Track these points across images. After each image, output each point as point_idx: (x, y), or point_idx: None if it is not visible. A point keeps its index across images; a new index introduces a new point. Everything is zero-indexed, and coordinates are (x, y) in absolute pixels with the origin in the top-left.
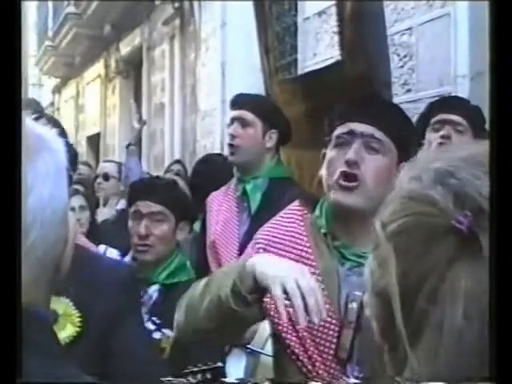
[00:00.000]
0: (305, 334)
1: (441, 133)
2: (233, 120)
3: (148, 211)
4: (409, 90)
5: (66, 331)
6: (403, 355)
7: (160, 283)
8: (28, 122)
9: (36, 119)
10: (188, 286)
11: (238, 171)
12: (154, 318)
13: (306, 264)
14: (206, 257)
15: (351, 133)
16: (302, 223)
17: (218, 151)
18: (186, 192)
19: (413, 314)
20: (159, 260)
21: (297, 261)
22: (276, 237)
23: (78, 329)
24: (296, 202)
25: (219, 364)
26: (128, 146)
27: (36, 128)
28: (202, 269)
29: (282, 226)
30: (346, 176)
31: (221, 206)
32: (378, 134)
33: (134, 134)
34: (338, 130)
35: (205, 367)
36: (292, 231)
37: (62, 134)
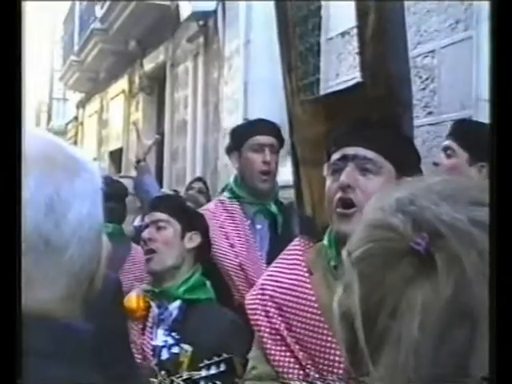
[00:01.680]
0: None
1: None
2: (264, 146)
3: (152, 220)
4: (430, 113)
5: None
6: (367, 373)
7: (179, 298)
8: (64, 144)
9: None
10: (208, 305)
11: (255, 196)
12: (173, 334)
13: (310, 306)
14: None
15: (343, 158)
16: (303, 264)
17: None
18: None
19: (374, 332)
20: (169, 270)
21: (303, 304)
22: (281, 282)
23: None
24: (296, 240)
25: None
26: (138, 163)
27: (73, 150)
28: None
29: (285, 269)
30: (342, 203)
31: (222, 228)
32: (371, 154)
33: (143, 149)
34: (333, 157)
35: (218, 359)
36: (295, 274)
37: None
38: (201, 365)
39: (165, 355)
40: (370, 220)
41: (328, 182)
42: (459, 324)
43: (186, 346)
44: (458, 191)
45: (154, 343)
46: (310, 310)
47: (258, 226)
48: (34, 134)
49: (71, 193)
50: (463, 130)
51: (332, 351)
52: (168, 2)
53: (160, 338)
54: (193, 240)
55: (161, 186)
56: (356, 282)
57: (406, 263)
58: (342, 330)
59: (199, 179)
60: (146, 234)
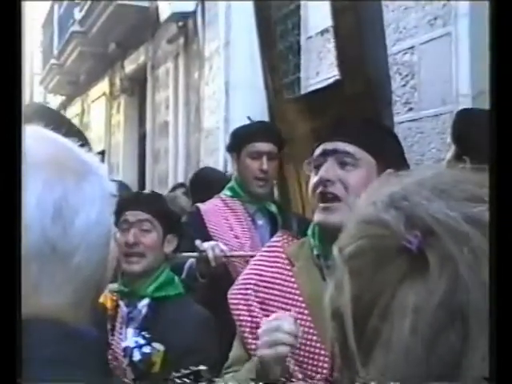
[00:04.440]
0: (295, 368)
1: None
2: (261, 154)
3: (136, 219)
4: (411, 109)
5: None
6: (356, 373)
7: (148, 296)
8: (74, 147)
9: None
10: (178, 301)
11: (253, 198)
12: (143, 333)
13: (291, 298)
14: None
15: (324, 153)
16: (284, 256)
17: (221, 169)
18: (171, 207)
19: (365, 333)
20: (147, 272)
21: (285, 297)
22: (263, 275)
23: None
24: (277, 235)
25: (201, 367)
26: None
27: (82, 153)
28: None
29: (267, 263)
30: (323, 197)
31: (227, 220)
32: (350, 148)
33: None
34: (315, 153)
35: (186, 371)
36: (276, 267)
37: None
38: (168, 378)
39: (137, 356)
40: (361, 215)
41: (311, 178)
42: (451, 325)
43: (158, 346)
44: (453, 186)
45: (124, 344)
46: (292, 302)
47: (260, 222)
48: (43, 135)
49: (80, 198)
50: (452, 122)
51: (313, 343)
52: (147, 4)
53: (130, 337)
54: (171, 243)
55: (143, 187)
56: (347, 280)
57: (397, 262)
58: (332, 328)
59: (181, 185)
60: (130, 237)
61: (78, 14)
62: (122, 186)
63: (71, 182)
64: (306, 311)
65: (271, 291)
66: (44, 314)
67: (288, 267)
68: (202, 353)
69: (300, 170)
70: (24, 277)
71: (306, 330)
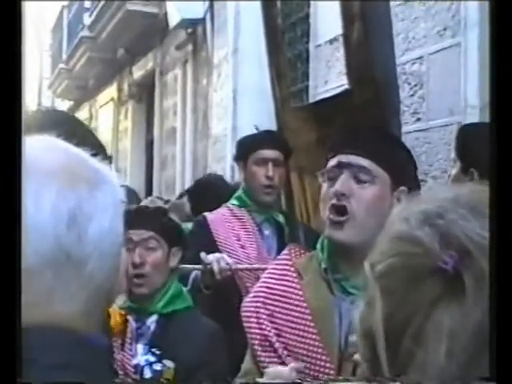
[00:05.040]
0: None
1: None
2: (267, 160)
3: (140, 238)
4: (419, 119)
5: None
6: None
7: (157, 313)
8: (86, 156)
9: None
10: (186, 313)
11: (260, 206)
12: (153, 350)
13: (298, 311)
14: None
15: (339, 165)
16: (293, 269)
17: (228, 176)
18: (176, 219)
19: (398, 353)
20: (154, 292)
21: (292, 310)
22: (272, 288)
23: None
24: (287, 248)
25: None
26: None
27: (93, 162)
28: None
29: (276, 276)
30: (335, 209)
31: (233, 230)
32: (366, 163)
33: None
34: (329, 164)
35: None
36: (285, 279)
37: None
38: None
39: (148, 374)
40: (394, 232)
41: (323, 189)
42: (487, 349)
43: (169, 363)
44: (487, 204)
45: (135, 361)
46: (300, 315)
47: (266, 232)
48: (55, 145)
49: (93, 206)
50: (456, 137)
51: (319, 356)
52: (156, 10)
53: (140, 354)
54: (175, 256)
55: (150, 193)
56: (379, 298)
57: (432, 282)
58: (363, 347)
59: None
60: (136, 257)
61: (87, 20)
62: (129, 191)
63: (84, 191)
64: (312, 324)
65: (280, 304)
66: (55, 321)
67: (296, 280)
68: (212, 366)
69: (305, 180)
70: (39, 284)
71: (312, 342)
